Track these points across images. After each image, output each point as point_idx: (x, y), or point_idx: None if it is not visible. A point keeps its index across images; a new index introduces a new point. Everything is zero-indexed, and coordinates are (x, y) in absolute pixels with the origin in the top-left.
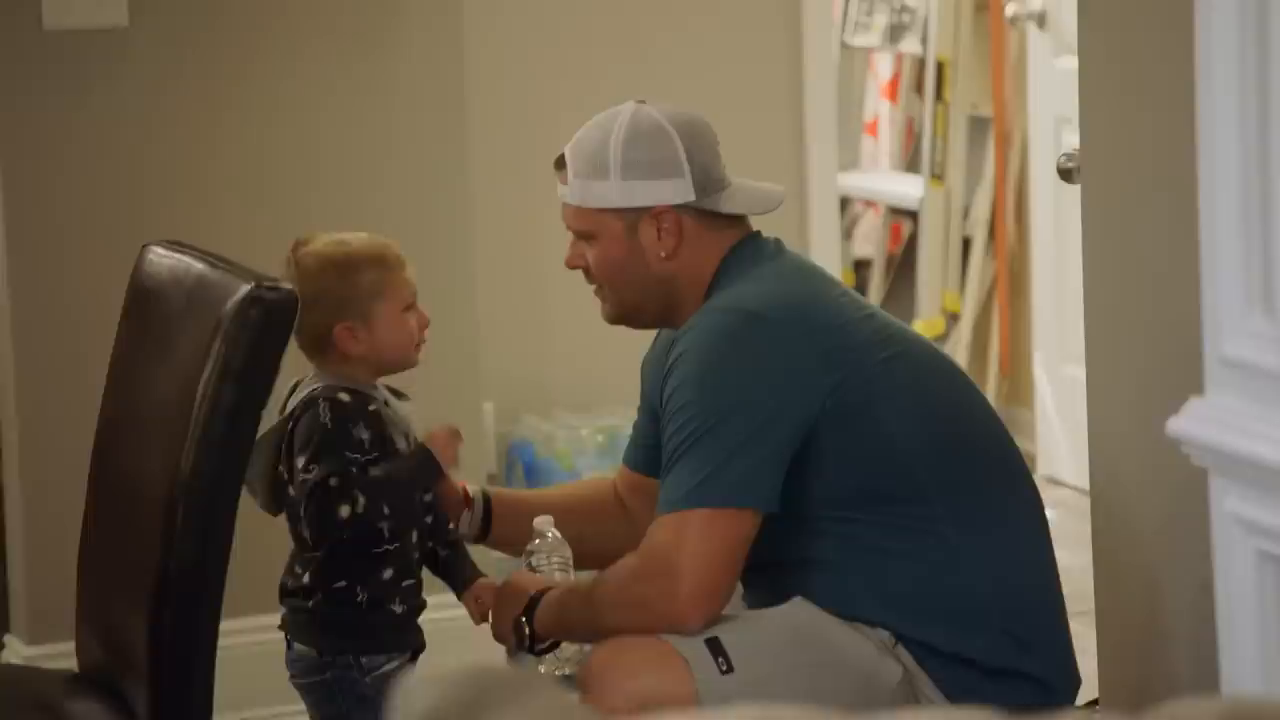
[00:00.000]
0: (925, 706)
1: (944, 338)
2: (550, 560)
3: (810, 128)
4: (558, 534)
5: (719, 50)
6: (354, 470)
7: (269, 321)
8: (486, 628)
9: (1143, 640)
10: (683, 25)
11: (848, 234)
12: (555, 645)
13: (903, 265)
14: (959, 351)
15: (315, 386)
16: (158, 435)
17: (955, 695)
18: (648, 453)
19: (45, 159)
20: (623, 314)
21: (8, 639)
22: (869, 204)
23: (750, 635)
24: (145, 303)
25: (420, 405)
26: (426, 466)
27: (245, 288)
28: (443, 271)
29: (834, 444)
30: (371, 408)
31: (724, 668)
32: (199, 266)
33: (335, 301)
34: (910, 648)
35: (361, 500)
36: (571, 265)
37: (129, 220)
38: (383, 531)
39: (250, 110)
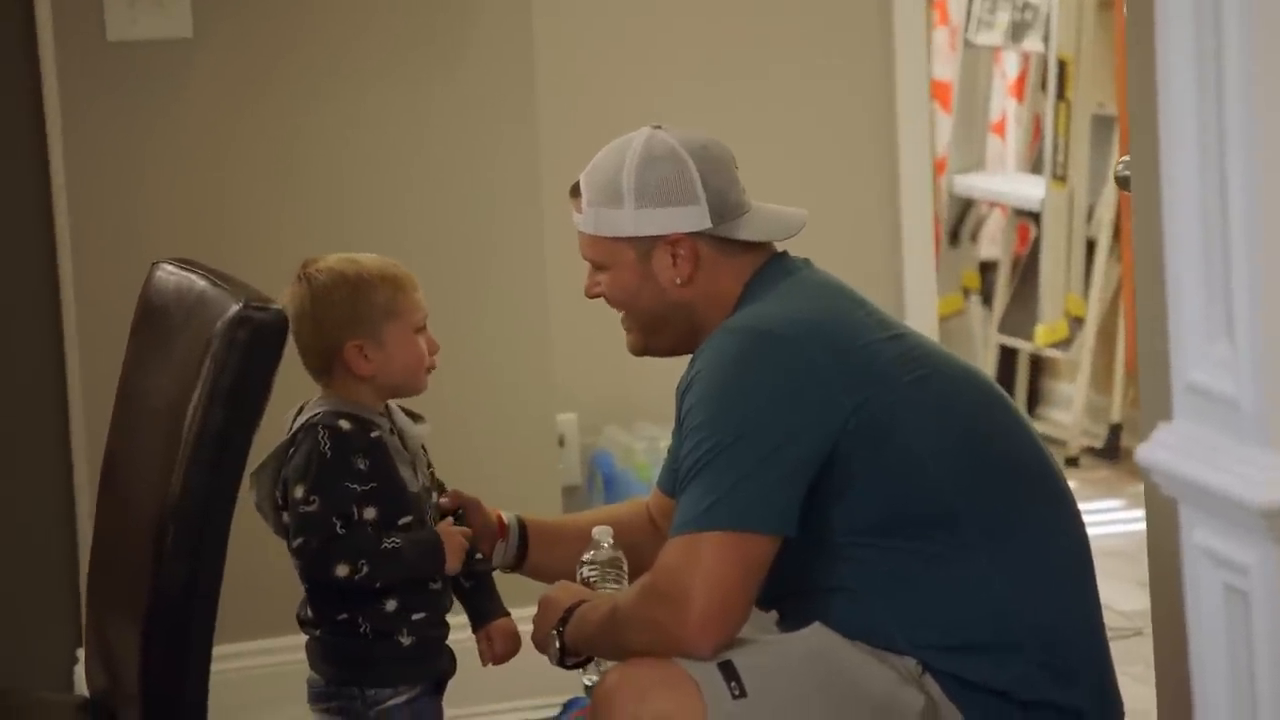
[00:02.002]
0: None
1: (1067, 342)
2: (605, 572)
3: (903, 140)
4: (614, 545)
5: (805, 69)
6: (365, 528)
7: (257, 342)
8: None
9: None
10: (767, 34)
11: (973, 236)
12: (590, 658)
13: (1028, 268)
14: (1084, 356)
15: (317, 412)
16: (152, 455)
17: None
18: (678, 477)
19: (109, 170)
20: (644, 342)
21: (80, 653)
22: (994, 205)
23: (765, 660)
24: (150, 321)
25: (493, 417)
26: (428, 558)
27: (235, 307)
28: (515, 284)
29: (859, 467)
30: (374, 434)
31: (736, 692)
32: (201, 284)
33: (347, 319)
34: (939, 679)
35: (365, 567)
36: (590, 294)
37: (193, 231)
38: None
39: (316, 122)
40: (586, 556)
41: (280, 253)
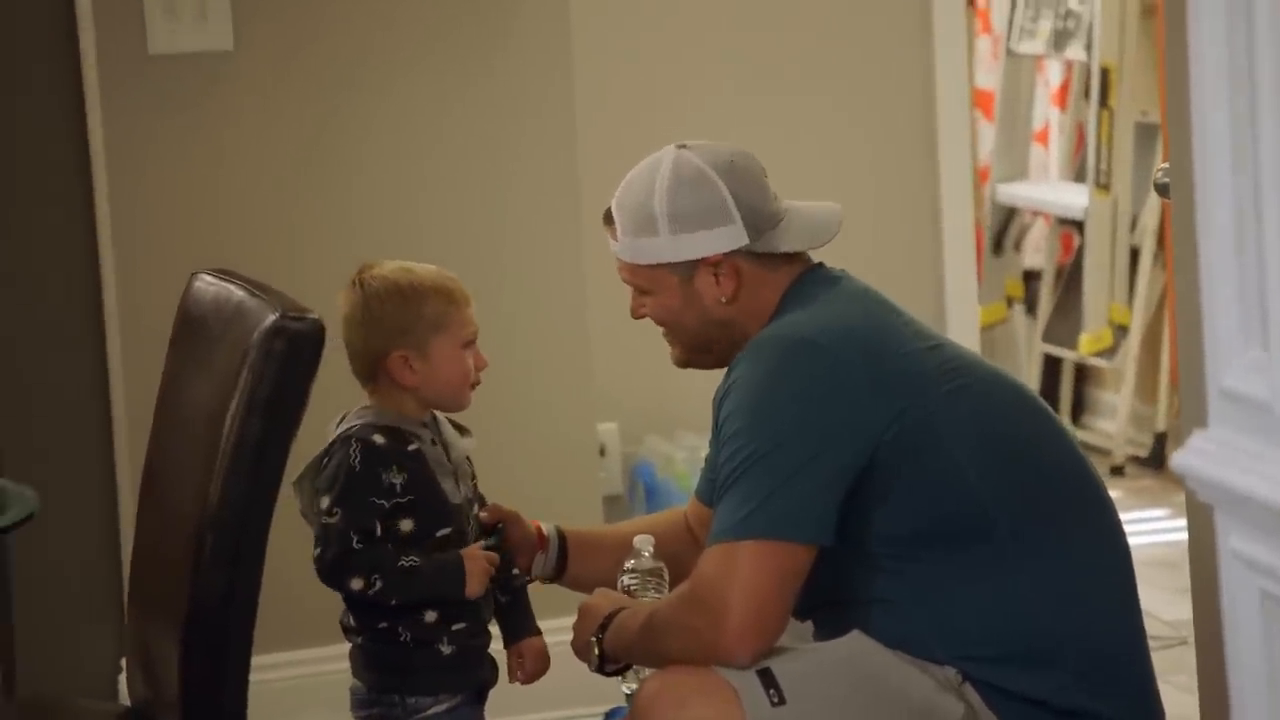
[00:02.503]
0: None
1: (1111, 351)
2: (645, 581)
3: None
4: (655, 554)
5: (846, 78)
6: (386, 545)
7: (294, 352)
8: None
9: None
10: (808, 43)
11: (1016, 245)
12: (629, 665)
13: (1072, 277)
14: (1128, 365)
15: (354, 424)
16: (191, 465)
17: None
18: (716, 487)
19: (151, 181)
20: (689, 358)
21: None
22: (1038, 214)
23: (803, 667)
24: (189, 331)
25: (533, 426)
26: (449, 579)
27: (272, 317)
28: (555, 292)
29: (897, 477)
30: (412, 447)
31: (775, 700)
32: (240, 294)
33: (395, 328)
34: (978, 687)
35: (378, 583)
36: (636, 316)
37: (233, 242)
38: None
39: (357, 132)
40: (628, 565)
41: (320, 263)
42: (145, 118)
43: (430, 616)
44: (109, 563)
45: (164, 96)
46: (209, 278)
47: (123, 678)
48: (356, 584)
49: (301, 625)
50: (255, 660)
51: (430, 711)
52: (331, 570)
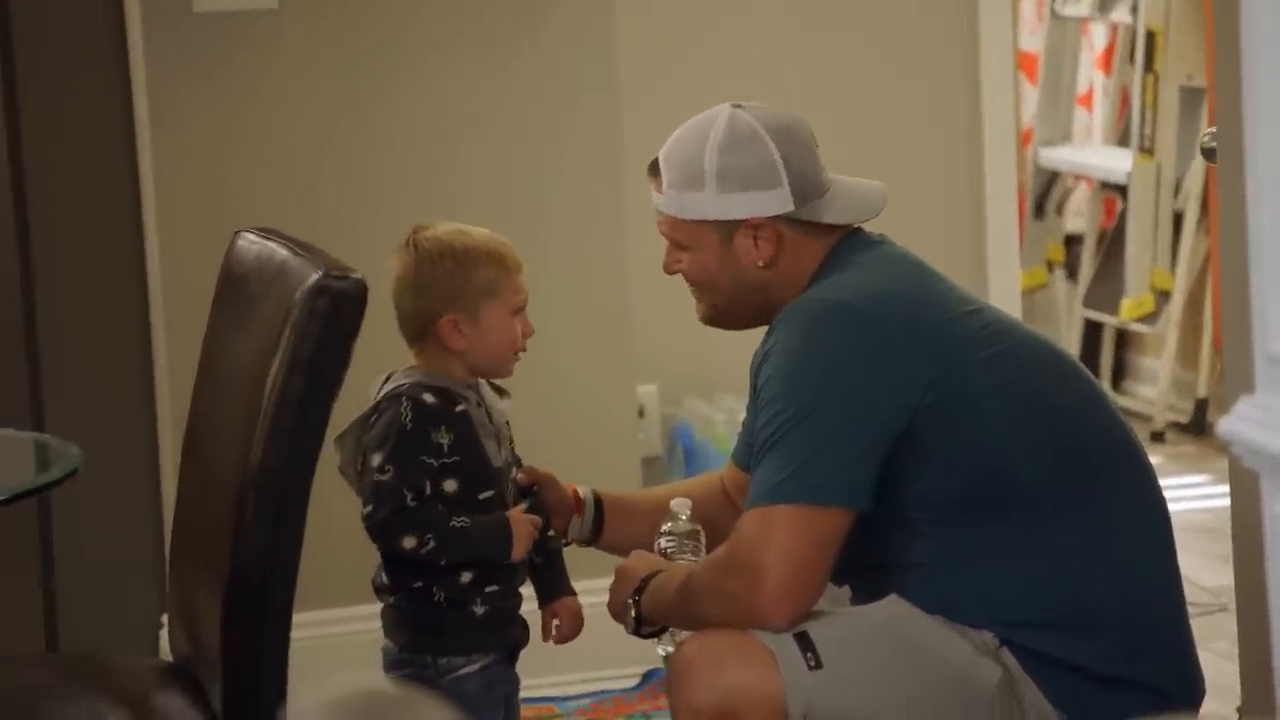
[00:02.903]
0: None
1: (1153, 316)
2: (682, 544)
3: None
4: (692, 517)
5: (889, 40)
6: (436, 504)
7: (337, 311)
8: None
9: None
10: (850, 5)
11: (1058, 209)
12: (665, 628)
13: (1114, 241)
14: (1169, 330)
15: (403, 383)
16: (233, 423)
17: (1062, 702)
18: (754, 451)
19: (195, 140)
20: (716, 316)
21: (165, 618)
22: (1080, 178)
23: (840, 631)
24: (232, 290)
25: (573, 388)
26: (496, 542)
27: (315, 276)
28: (596, 255)
29: (936, 442)
30: (460, 408)
31: (812, 663)
32: (283, 253)
33: (447, 291)
34: (1016, 652)
35: (431, 542)
36: (670, 270)
37: (277, 200)
38: None
39: (400, 92)
40: (665, 528)
41: (363, 222)
42: (189, 76)
43: (465, 577)
44: (151, 520)
45: (208, 55)
46: (252, 236)
47: (164, 634)
48: (409, 542)
49: (339, 584)
50: (295, 618)
51: (462, 671)
52: (384, 528)
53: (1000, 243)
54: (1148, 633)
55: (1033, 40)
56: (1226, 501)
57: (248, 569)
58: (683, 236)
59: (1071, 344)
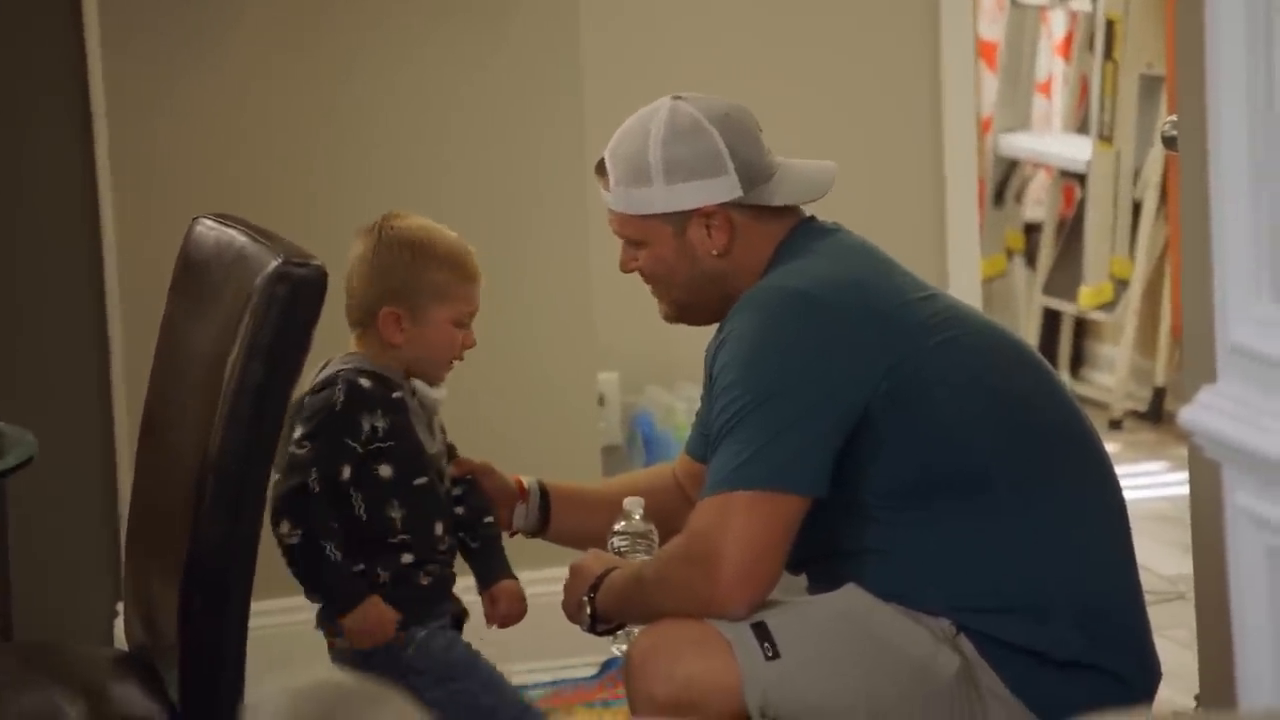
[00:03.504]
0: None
1: (1112, 304)
2: (635, 543)
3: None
4: (645, 516)
5: (849, 28)
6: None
7: (296, 298)
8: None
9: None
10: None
11: (1017, 197)
12: (621, 625)
13: (1073, 229)
14: (1128, 318)
15: (342, 367)
16: (191, 410)
17: (1020, 688)
18: (708, 441)
19: (152, 125)
20: (679, 313)
21: (120, 606)
22: (1040, 165)
23: (798, 621)
24: (190, 276)
25: (537, 376)
26: (345, 600)
27: (275, 262)
28: (557, 242)
29: (891, 429)
30: (396, 395)
31: (769, 653)
32: (242, 240)
33: (397, 284)
34: (974, 639)
35: (295, 539)
36: (626, 269)
37: (235, 185)
38: (395, 523)
39: (361, 78)
40: (618, 527)
41: (323, 210)
42: (147, 58)
43: (406, 558)
44: (106, 507)
45: (166, 32)
46: (210, 222)
47: (119, 622)
48: (284, 527)
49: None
50: (254, 606)
51: (422, 634)
52: (279, 502)
53: (960, 230)
54: (1104, 618)
55: (992, 28)
56: (1184, 489)
57: (206, 556)
58: (636, 232)
59: (1030, 332)
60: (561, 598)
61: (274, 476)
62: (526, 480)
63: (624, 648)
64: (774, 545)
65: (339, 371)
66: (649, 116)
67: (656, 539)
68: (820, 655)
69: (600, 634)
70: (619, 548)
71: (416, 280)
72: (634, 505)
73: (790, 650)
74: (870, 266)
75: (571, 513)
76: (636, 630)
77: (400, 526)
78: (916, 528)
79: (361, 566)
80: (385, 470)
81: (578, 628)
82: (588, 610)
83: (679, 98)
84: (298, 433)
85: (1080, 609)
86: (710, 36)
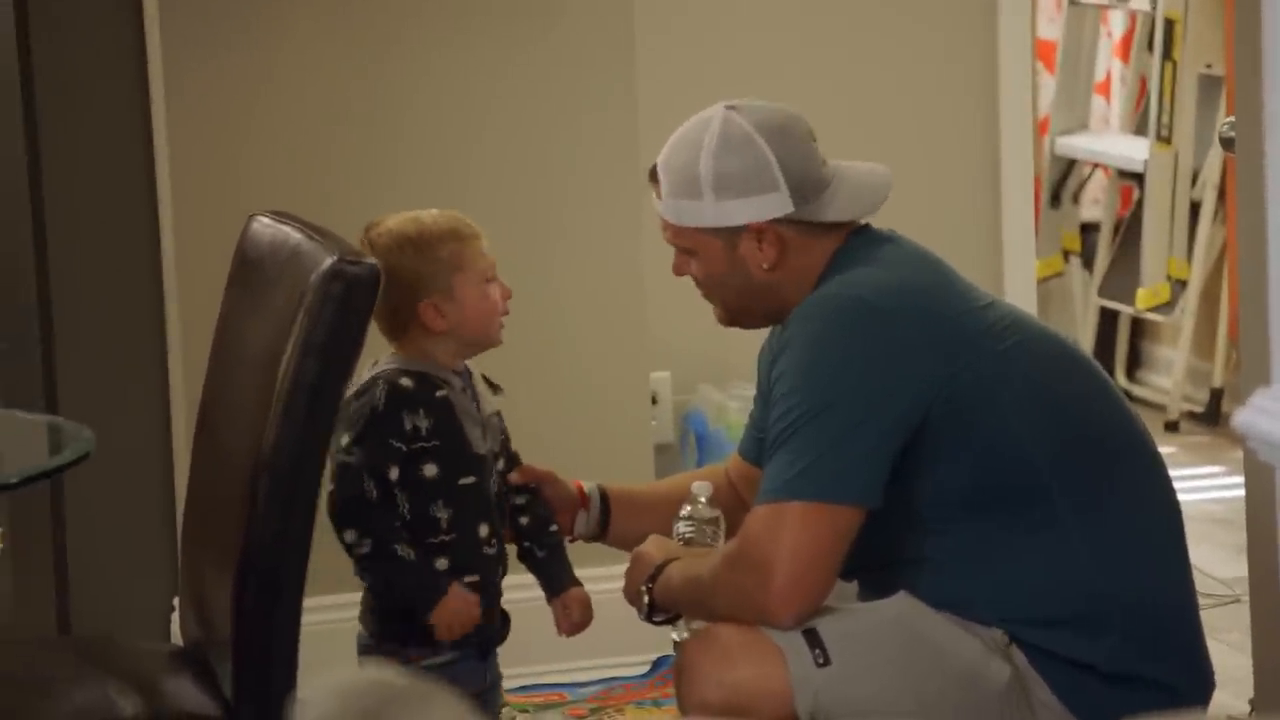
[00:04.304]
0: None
1: (1169, 306)
2: (702, 529)
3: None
4: (711, 502)
5: (906, 29)
6: (410, 493)
7: (350, 295)
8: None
9: None
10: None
11: (1075, 197)
12: (678, 615)
13: (1130, 230)
14: (1185, 320)
15: (383, 369)
16: (246, 407)
17: (1071, 700)
18: (761, 444)
19: (211, 121)
20: (733, 319)
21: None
22: (1097, 166)
23: (849, 628)
24: (246, 273)
25: (589, 375)
26: (421, 597)
27: (329, 260)
28: (610, 240)
29: (949, 439)
30: (440, 393)
31: (820, 660)
32: (297, 237)
33: (416, 278)
34: (1026, 650)
35: (365, 548)
36: (678, 274)
37: (292, 183)
38: (440, 524)
39: (417, 76)
40: (684, 512)
41: (376, 208)
42: (205, 59)
43: (441, 563)
44: (163, 503)
45: (225, 35)
46: (266, 220)
47: (175, 617)
48: (350, 536)
49: (351, 568)
50: (306, 603)
51: (425, 664)
52: (339, 511)
53: (1016, 231)
54: (1157, 630)
55: (1051, 28)
56: (1241, 492)
57: (259, 553)
58: (686, 243)
59: (1087, 333)
60: (610, 596)
61: (327, 487)
62: (587, 486)
63: (683, 635)
64: (826, 556)
65: (378, 374)
66: (701, 127)
67: (724, 526)
68: (871, 663)
69: (658, 623)
70: (684, 534)
71: (432, 264)
72: (701, 490)
73: (841, 657)
74: (929, 274)
75: (631, 516)
76: (697, 622)
77: (445, 527)
78: (970, 538)
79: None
80: (430, 469)
81: (628, 626)
82: (646, 599)
83: (732, 107)
84: (344, 439)
85: (1133, 621)
86: (765, 39)
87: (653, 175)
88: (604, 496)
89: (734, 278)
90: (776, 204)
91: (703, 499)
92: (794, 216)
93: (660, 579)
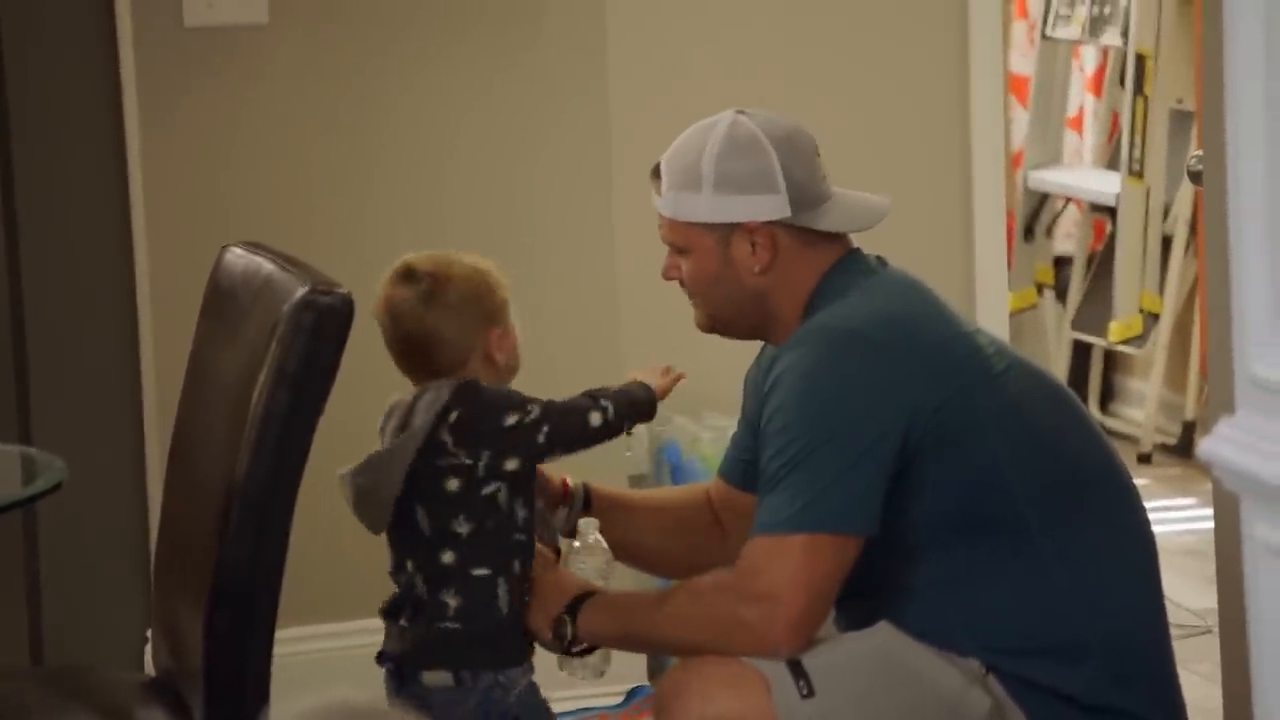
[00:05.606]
0: None
1: (1141, 338)
2: (588, 564)
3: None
4: (600, 538)
5: (879, 60)
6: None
7: (322, 326)
8: None
9: None
10: (841, 24)
11: (1048, 231)
12: (589, 650)
13: (1103, 264)
14: (1158, 353)
15: (449, 385)
16: (218, 437)
17: None
18: (745, 468)
19: (185, 154)
20: (714, 325)
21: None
22: (1070, 200)
23: (833, 659)
24: (219, 303)
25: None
26: (645, 393)
27: (301, 291)
28: (584, 270)
29: (933, 468)
30: None
31: (805, 691)
32: (269, 268)
33: (495, 307)
34: (1004, 680)
35: (608, 407)
36: (667, 277)
37: (266, 215)
38: (518, 522)
39: (391, 107)
40: (577, 545)
41: (352, 236)
42: (180, 90)
43: (515, 567)
44: (136, 533)
45: (198, 69)
46: (239, 250)
47: (148, 648)
48: (595, 418)
49: (325, 599)
50: (279, 634)
51: (524, 682)
52: (573, 426)
53: (989, 264)
54: (1133, 661)
55: (1024, 63)
56: (1212, 524)
57: (231, 582)
58: (681, 240)
59: (1060, 365)
60: None
61: (543, 429)
62: (571, 481)
63: (579, 675)
64: (830, 588)
65: (454, 387)
66: (709, 127)
67: (612, 562)
68: (855, 694)
69: (572, 654)
70: (575, 568)
71: (498, 301)
72: (588, 526)
73: (825, 688)
74: (919, 304)
75: (615, 515)
76: (595, 659)
77: (521, 525)
78: (949, 567)
79: (488, 570)
80: (512, 464)
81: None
82: (569, 628)
83: (742, 112)
84: (512, 418)
85: (1111, 650)
86: (736, 64)
87: (655, 172)
88: (587, 494)
89: (724, 280)
90: (774, 206)
91: (591, 536)
92: (789, 222)
93: (589, 609)
